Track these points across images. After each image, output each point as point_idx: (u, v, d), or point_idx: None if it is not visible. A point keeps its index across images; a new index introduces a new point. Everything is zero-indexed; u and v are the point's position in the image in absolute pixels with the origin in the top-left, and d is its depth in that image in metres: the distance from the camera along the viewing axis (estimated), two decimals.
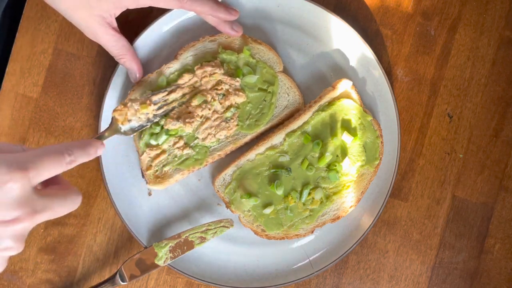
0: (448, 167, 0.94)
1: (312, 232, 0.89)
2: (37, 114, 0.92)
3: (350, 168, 0.88)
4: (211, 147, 0.88)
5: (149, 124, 0.83)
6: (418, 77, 0.94)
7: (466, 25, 0.94)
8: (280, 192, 0.87)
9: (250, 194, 0.87)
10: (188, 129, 0.85)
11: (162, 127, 0.85)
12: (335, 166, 0.87)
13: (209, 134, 0.87)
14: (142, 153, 0.86)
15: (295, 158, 0.88)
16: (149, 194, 0.91)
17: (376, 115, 0.91)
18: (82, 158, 0.64)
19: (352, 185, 0.88)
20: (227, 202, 0.88)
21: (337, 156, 0.88)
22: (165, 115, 0.85)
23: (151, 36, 0.89)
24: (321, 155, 0.87)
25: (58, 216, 0.61)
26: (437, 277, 0.94)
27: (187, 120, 0.84)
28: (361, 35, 0.89)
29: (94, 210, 0.92)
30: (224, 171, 0.88)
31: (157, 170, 0.87)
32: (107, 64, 0.92)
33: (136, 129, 0.83)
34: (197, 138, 0.87)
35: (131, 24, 0.91)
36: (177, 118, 0.85)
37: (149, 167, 0.87)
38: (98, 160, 0.90)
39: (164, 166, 0.87)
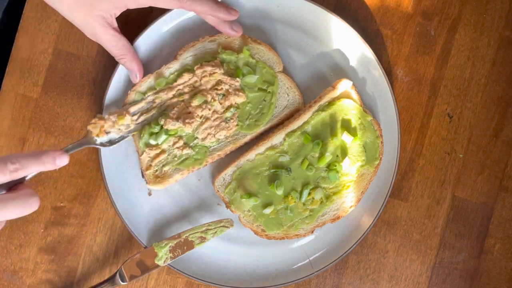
0: (448, 167, 0.94)
1: (312, 232, 0.89)
2: (37, 114, 0.92)
3: (350, 168, 0.88)
4: (210, 147, 0.88)
5: (130, 134, 0.85)
6: (418, 77, 0.94)
7: (466, 25, 0.94)
8: (280, 192, 0.87)
9: (250, 194, 0.87)
10: (187, 129, 0.85)
11: (161, 127, 0.85)
12: (335, 166, 0.87)
13: (208, 134, 0.87)
14: (142, 153, 0.86)
15: (295, 158, 0.88)
16: (149, 194, 0.91)
17: (376, 115, 0.91)
18: (34, 167, 0.67)
19: (352, 185, 0.88)
20: (227, 202, 0.88)
21: (337, 156, 0.88)
22: (162, 114, 0.85)
23: (151, 36, 0.89)
24: (321, 155, 0.87)
25: (14, 218, 0.64)
26: (437, 277, 0.94)
27: (186, 121, 0.84)
28: (361, 35, 0.89)
29: (94, 210, 0.92)
30: (224, 171, 0.88)
31: (156, 170, 0.87)
32: (107, 64, 0.92)
33: (117, 140, 0.84)
34: (196, 138, 0.87)
35: (131, 24, 0.91)
36: (177, 118, 0.85)
37: (148, 167, 0.87)
38: (98, 160, 0.90)
39: (163, 166, 0.87)
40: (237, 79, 0.87)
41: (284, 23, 0.91)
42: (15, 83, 0.91)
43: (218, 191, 0.89)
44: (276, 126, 0.90)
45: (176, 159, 0.87)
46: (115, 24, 0.83)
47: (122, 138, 0.84)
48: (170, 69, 0.88)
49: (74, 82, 0.92)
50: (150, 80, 0.87)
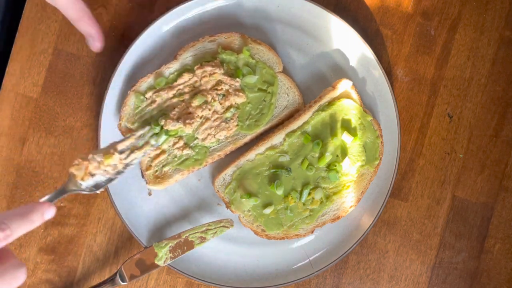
0: (448, 167, 0.94)
1: (312, 232, 0.89)
2: (37, 114, 0.92)
3: (350, 168, 0.88)
4: (211, 147, 0.88)
5: (119, 176, 0.75)
6: (418, 77, 0.94)
7: (466, 25, 0.94)
8: (280, 192, 0.87)
9: (250, 194, 0.87)
10: (188, 130, 0.85)
11: (162, 128, 0.85)
12: (335, 166, 0.87)
13: (209, 134, 0.87)
14: None
15: (295, 158, 0.88)
16: (149, 194, 0.91)
17: (376, 115, 0.91)
18: (24, 228, 0.61)
19: (352, 185, 0.88)
20: (227, 202, 0.88)
21: (337, 156, 0.88)
22: (162, 115, 0.85)
23: (151, 36, 0.89)
24: (321, 155, 0.87)
25: None
26: (437, 277, 0.94)
27: (187, 121, 0.84)
28: (361, 35, 0.89)
29: (94, 210, 0.92)
30: (224, 171, 0.88)
31: (157, 170, 0.87)
32: (107, 64, 0.92)
33: (103, 183, 0.75)
34: (197, 138, 0.87)
35: (132, 24, 0.91)
36: (177, 119, 0.85)
37: (149, 167, 0.87)
38: None
39: (164, 166, 0.87)
40: (237, 79, 0.87)
41: (284, 23, 0.91)
42: (15, 83, 0.91)
43: (218, 191, 0.89)
44: (276, 126, 0.90)
45: (176, 159, 0.87)
46: None
47: (109, 180, 0.74)
48: (170, 69, 0.88)
49: (74, 82, 0.92)
50: (150, 80, 0.87)
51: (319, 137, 0.88)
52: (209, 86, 0.86)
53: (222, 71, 0.86)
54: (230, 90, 0.87)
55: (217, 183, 0.88)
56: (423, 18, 0.94)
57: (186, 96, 0.86)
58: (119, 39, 0.92)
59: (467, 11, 0.94)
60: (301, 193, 0.87)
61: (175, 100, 0.86)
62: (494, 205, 0.94)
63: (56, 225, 0.91)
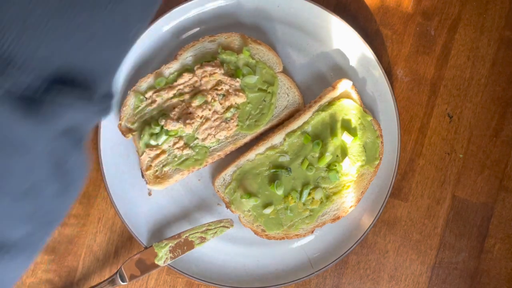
0: (448, 167, 0.94)
1: (312, 232, 0.89)
2: None
3: (350, 168, 0.88)
4: (211, 147, 0.88)
5: None
6: (418, 77, 0.94)
7: (466, 25, 0.94)
8: (280, 192, 0.87)
9: (250, 194, 0.87)
10: (188, 130, 0.85)
11: (162, 128, 0.85)
12: (335, 166, 0.87)
13: (209, 134, 0.87)
14: (142, 153, 0.86)
15: (295, 158, 0.88)
16: (149, 194, 0.91)
17: (376, 115, 0.91)
18: None
19: (352, 185, 0.88)
20: (227, 202, 0.88)
21: (337, 156, 0.88)
22: (163, 115, 0.85)
23: (151, 36, 0.89)
24: (321, 155, 0.87)
25: None
26: (437, 277, 0.94)
27: (187, 121, 0.85)
28: (361, 35, 0.89)
29: (94, 210, 0.92)
30: (224, 171, 0.88)
31: (157, 170, 0.87)
32: None
33: None
34: (197, 138, 0.87)
35: None
36: (177, 119, 0.85)
37: (149, 167, 0.87)
38: (98, 160, 0.90)
39: (164, 166, 0.87)
40: (237, 79, 0.87)
41: (284, 23, 0.91)
42: None
43: (218, 191, 0.89)
44: (276, 126, 0.90)
45: (176, 159, 0.87)
46: None
47: None
48: (170, 69, 0.88)
49: None
50: (150, 80, 0.87)
51: (319, 137, 0.88)
52: (209, 86, 0.86)
53: (222, 71, 0.86)
54: (230, 90, 0.87)
55: (217, 183, 0.88)
56: (423, 18, 0.94)
57: (186, 96, 0.86)
58: None
59: (467, 11, 0.94)
60: (301, 193, 0.87)
61: (175, 100, 0.86)
62: (494, 205, 0.94)
63: None
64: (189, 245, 0.88)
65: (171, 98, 0.86)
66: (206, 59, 0.88)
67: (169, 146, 0.86)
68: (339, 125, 0.88)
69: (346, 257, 0.93)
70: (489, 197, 0.94)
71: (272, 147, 0.88)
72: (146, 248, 0.88)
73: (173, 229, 0.91)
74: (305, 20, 0.91)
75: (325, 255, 0.91)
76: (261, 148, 0.88)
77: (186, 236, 0.88)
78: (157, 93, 0.86)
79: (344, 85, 0.88)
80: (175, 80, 0.86)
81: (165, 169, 0.87)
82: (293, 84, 0.90)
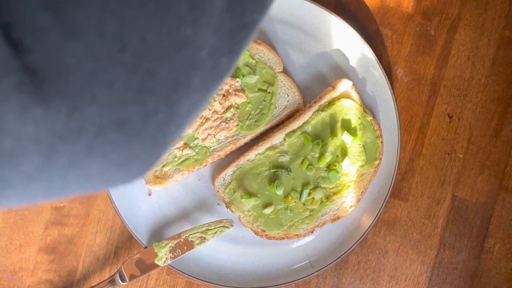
0: (448, 167, 0.94)
1: (312, 232, 0.89)
2: None
3: (350, 168, 0.88)
4: (211, 147, 0.88)
5: None
6: (418, 77, 0.94)
7: (466, 25, 0.94)
8: (280, 192, 0.87)
9: (250, 194, 0.87)
10: (188, 130, 0.85)
11: None
12: (335, 166, 0.87)
13: (209, 134, 0.87)
14: None
15: (295, 158, 0.88)
16: (149, 194, 0.91)
17: (376, 115, 0.91)
18: None
19: (352, 185, 0.88)
20: (227, 202, 0.88)
21: (337, 156, 0.88)
22: None
23: None
24: (321, 155, 0.87)
25: None
26: (437, 277, 0.94)
27: None
28: (361, 35, 0.89)
29: (94, 210, 0.92)
30: (224, 171, 0.88)
31: (156, 170, 0.87)
32: None
33: None
34: (197, 138, 0.87)
35: None
36: None
37: None
38: None
39: (163, 166, 0.87)
40: (237, 79, 0.87)
41: (284, 23, 0.91)
42: None
43: (218, 191, 0.89)
44: (276, 126, 0.90)
45: (176, 159, 0.87)
46: None
47: None
48: None
49: None
50: None
51: (319, 137, 0.88)
52: None
53: None
54: (230, 90, 0.87)
55: (217, 183, 0.88)
56: (423, 18, 0.94)
57: None
58: None
59: (467, 11, 0.94)
60: (301, 193, 0.87)
61: None
62: (494, 205, 0.94)
63: (56, 225, 0.91)
64: (189, 245, 0.88)
65: None
66: None
67: None
68: (339, 125, 0.88)
69: (346, 257, 0.93)
70: (489, 197, 0.94)
71: (272, 147, 0.88)
72: (146, 248, 0.88)
73: (173, 229, 0.91)
74: (305, 20, 0.91)
75: (325, 255, 0.91)
76: (261, 148, 0.88)
77: (186, 236, 0.88)
78: None
79: (344, 85, 0.88)
80: None
81: (165, 169, 0.87)
82: (293, 84, 0.90)
